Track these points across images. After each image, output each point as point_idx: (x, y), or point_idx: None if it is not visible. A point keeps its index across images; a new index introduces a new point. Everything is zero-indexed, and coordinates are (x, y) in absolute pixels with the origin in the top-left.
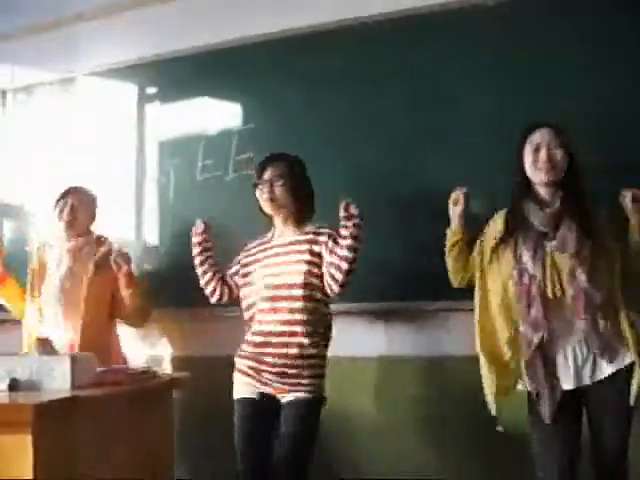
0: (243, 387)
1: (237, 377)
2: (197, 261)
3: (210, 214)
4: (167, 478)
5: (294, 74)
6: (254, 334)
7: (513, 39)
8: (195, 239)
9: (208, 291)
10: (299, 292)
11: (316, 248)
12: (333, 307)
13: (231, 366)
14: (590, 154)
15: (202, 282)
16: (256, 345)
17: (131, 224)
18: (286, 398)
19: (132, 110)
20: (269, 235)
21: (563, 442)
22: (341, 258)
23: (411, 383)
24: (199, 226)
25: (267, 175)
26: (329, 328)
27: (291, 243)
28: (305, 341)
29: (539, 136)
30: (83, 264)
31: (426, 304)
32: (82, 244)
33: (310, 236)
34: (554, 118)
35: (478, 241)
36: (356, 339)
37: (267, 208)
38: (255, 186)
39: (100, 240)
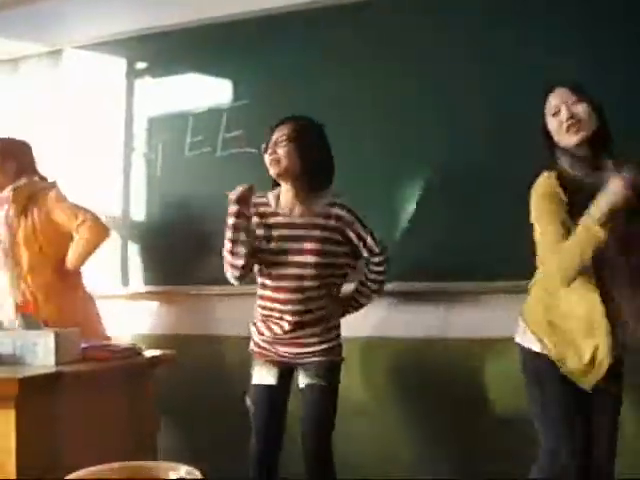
0: (258, 371)
1: (254, 361)
2: (242, 237)
3: (198, 192)
4: (151, 454)
5: (287, 50)
6: (264, 309)
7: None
8: (237, 207)
9: (238, 264)
10: (309, 272)
11: (329, 234)
12: None
13: (214, 344)
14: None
15: (233, 259)
16: (264, 318)
17: (118, 200)
18: (302, 361)
19: (121, 85)
20: (271, 198)
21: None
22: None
23: (401, 365)
24: (244, 191)
25: (274, 137)
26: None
27: (302, 226)
28: (314, 318)
29: (556, 97)
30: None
31: (422, 285)
32: (12, 196)
33: (320, 220)
34: None
35: (550, 210)
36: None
37: (272, 172)
38: (265, 152)
39: (31, 187)
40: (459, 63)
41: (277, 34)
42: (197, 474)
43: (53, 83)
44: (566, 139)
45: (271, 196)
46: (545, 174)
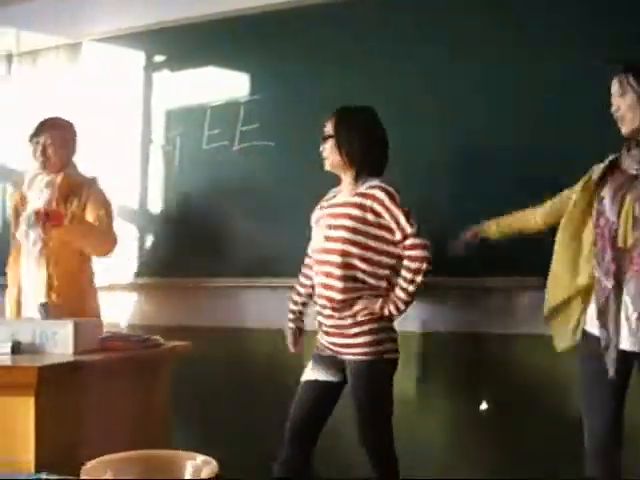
0: (310, 367)
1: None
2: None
3: (216, 184)
4: (166, 444)
5: (302, 45)
6: (314, 296)
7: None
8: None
9: None
10: (336, 259)
11: (361, 213)
12: None
13: (227, 337)
14: None
15: None
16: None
17: (136, 192)
18: (345, 358)
19: (139, 78)
20: (336, 190)
21: (612, 395)
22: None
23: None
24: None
25: (324, 132)
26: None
27: (340, 205)
28: (344, 306)
29: (612, 86)
30: (46, 198)
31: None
32: (60, 180)
33: (357, 199)
34: None
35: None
36: None
37: (326, 167)
38: None
39: (78, 178)
40: (461, 62)
41: (296, 28)
42: (214, 463)
43: (72, 76)
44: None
45: (337, 188)
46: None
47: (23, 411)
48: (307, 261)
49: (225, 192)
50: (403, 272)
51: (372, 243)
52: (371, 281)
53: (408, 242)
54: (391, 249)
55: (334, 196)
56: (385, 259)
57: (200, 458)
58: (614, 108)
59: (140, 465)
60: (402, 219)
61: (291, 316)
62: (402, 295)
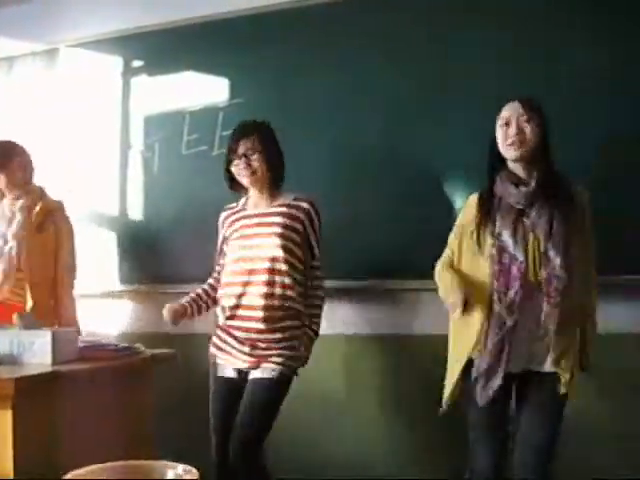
0: (218, 364)
1: (214, 353)
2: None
3: (195, 189)
4: (148, 454)
5: (283, 48)
6: (224, 307)
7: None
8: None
9: None
10: (266, 265)
11: (291, 222)
12: None
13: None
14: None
15: None
16: (227, 318)
17: (115, 198)
18: (254, 373)
19: (116, 83)
20: (241, 203)
21: (496, 426)
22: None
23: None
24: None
25: (241, 149)
26: (306, 303)
27: (266, 215)
28: (271, 314)
29: (509, 110)
30: (20, 221)
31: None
32: (18, 200)
33: (284, 209)
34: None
35: (456, 225)
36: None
37: (245, 181)
38: (229, 162)
39: (36, 194)
40: (454, 61)
41: (273, 32)
42: (194, 472)
43: (49, 81)
44: (509, 152)
45: (241, 202)
46: (471, 197)
47: (1, 423)
48: (217, 269)
49: (205, 197)
50: (311, 309)
51: (297, 251)
52: (293, 284)
53: (316, 264)
54: (304, 257)
55: (243, 208)
56: (301, 267)
57: (181, 467)
58: (514, 130)
59: (120, 475)
60: (317, 241)
61: (194, 296)
62: (312, 334)
